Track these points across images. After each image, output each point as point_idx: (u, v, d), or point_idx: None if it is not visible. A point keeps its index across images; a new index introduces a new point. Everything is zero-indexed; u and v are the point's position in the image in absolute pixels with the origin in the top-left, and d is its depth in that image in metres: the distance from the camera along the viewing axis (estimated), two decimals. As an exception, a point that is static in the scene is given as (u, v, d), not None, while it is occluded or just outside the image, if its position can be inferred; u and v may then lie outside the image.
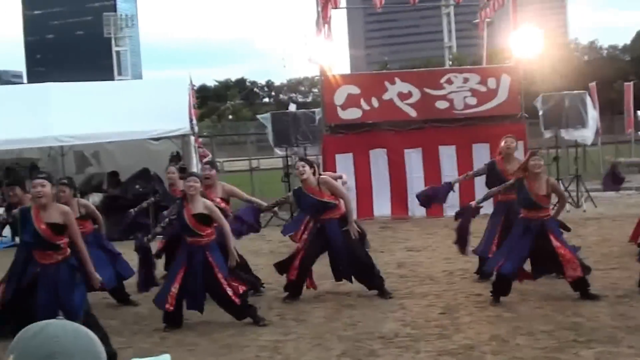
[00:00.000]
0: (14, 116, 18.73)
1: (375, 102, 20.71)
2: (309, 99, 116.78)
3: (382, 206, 20.54)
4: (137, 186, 19.87)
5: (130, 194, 19.66)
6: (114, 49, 70.44)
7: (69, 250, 8.57)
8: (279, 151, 22.07)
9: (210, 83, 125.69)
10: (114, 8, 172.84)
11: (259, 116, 24.06)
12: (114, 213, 19.55)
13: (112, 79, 64.23)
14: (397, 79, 21.09)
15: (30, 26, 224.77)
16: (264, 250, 16.43)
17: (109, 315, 10.72)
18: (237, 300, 9.82)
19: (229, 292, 9.79)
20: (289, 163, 21.51)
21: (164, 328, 9.93)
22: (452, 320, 9.64)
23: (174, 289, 9.79)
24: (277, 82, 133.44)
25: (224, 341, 9.23)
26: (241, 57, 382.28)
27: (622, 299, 10.25)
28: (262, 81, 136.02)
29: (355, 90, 20.77)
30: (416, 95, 20.76)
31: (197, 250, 9.88)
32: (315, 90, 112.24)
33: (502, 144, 12.06)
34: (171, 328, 9.90)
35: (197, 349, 8.99)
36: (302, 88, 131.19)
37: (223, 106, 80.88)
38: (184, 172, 18.70)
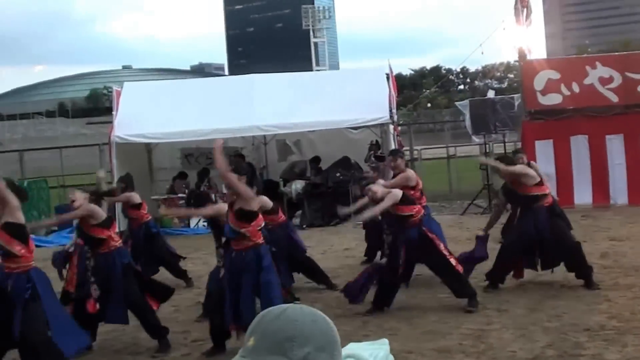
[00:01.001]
0: (219, 107, 19.53)
1: (575, 87, 20.15)
2: (504, 85, 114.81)
3: (583, 194, 19.97)
4: (337, 174, 20.26)
5: (331, 182, 20.10)
6: (312, 40, 71.80)
7: (259, 238, 8.76)
8: (476, 138, 21.89)
9: (406, 72, 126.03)
10: (311, 1, 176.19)
11: (457, 103, 23.95)
12: (315, 200, 20.13)
13: (310, 69, 65.51)
14: (598, 63, 20.42)
15: (232, 20, 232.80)
16: (461, 238, 16.33)
17: (312, 298, 11.02)
18: (459, 268, 10.01)
19: (452, 261, 10.01)
20: (487, 150, 21.29)
21: (365, 312, 10.14)
22: (660, 314, 9.31)
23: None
24: (471, 69, 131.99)
25: (425, 327, 9.30)
26: (435, 46, 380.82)
27: None
28: (456, 68, 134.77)
29: (555, 75, 20.29)
30: (617, 79, 20.04)
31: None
32: (511, 75, 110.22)
33: None
34: (372, 312, 10.11)
35: (399, 334, 9.09)
36: (498, 74, 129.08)
37: (421, 95, 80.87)
38: (383, 160, 19.00)
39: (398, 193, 10.14)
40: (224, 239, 9.11)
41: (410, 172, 12.49)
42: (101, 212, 9.30)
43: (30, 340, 7.54)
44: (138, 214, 13.06)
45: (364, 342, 2.93)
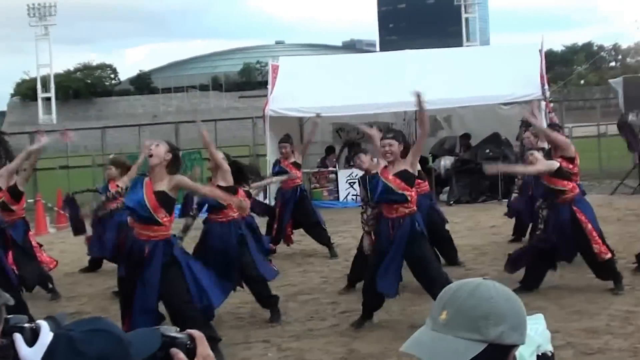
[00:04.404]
0: (371, 82, 19.73)
1: None
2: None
3: None
4: (487, 150, 20.13)
5: (480, 158, 19.99)
6: (464, 16, 71.18)
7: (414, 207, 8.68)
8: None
9: (557, 48, 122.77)
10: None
11: (610, 80, 23.38)
12: (464, 176, 20.10)
13: (460, 45, 64.93)
14: None
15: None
16: (611, 218, 15.79)
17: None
18: (604, 256, 9.71)
19: (596, 248, 9.69)
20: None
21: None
22: None
23: None
24: (623, 46, 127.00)
25: (573, 307, 9.20)
26: (587, 22, 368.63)
27: None
28: (609, 45, 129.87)
29: None
30: None
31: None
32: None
33: None
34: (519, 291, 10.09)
35: (546, 313, 8.98)
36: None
37: (574, 71, 78.97)
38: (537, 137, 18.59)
39: (555, 163, 9.82)
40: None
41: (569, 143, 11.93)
42: None
43: (172, 304, 7.73)
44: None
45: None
